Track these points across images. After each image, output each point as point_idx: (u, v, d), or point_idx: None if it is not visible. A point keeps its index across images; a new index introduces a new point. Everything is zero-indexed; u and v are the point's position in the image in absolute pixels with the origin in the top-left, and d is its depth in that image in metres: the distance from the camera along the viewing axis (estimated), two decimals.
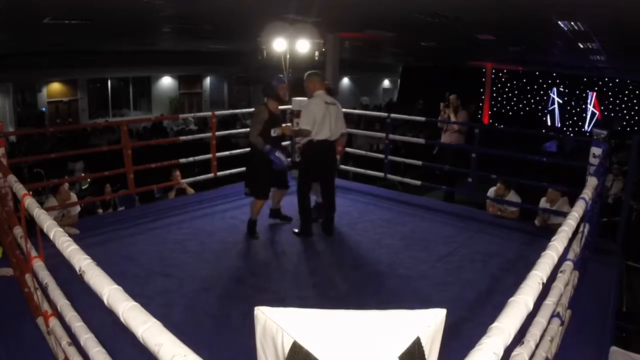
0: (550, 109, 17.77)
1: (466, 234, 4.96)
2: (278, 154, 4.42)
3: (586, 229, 2.75)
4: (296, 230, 4.79)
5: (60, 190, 4.86)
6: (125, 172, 5.19)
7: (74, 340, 2.04)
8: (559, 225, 1.90)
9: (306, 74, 4.76)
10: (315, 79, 4.69)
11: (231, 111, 13.45)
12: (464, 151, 7.16)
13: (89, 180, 8.24)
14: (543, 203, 5.29)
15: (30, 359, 2.72)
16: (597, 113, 16.70)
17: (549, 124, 17.79)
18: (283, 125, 4.86)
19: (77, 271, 1.48)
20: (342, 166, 6.93)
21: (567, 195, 5.10)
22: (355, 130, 10.60)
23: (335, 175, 5.18)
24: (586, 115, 17.01)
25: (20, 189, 2.36)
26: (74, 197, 5.02)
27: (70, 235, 4.57)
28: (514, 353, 1.62)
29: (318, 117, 4.50)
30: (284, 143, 6.94)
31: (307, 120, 4.53)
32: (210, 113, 6.21)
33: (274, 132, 4.63)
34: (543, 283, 1.37)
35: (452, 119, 7.47)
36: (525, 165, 7.28)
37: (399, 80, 22.19)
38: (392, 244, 4.65)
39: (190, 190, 6.37)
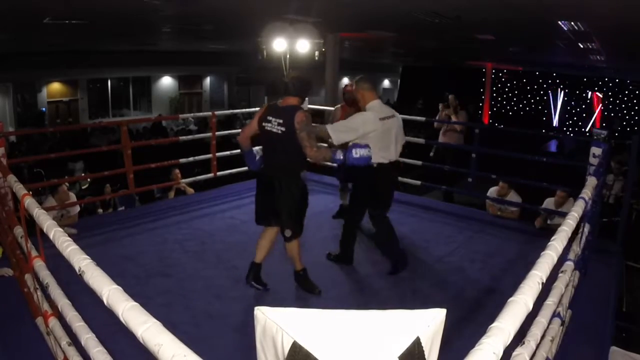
0: (550, 109, 17.78)
1: (466, 234, 4.96)
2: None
3: (586, 229, 2.75)
4: (331, 255, 4.15)
5: (59, 190, 4.86)
6: (125, 172, 5.19)
7: (74, 340, 2.04)
8: (559, 226, 1.90)
9: (355, 80, 3.84)
10: (365, 86, 3.73)
11: (231, 111, 13.47)
12: (463, 151, 7.13)
13: (88, 180, 8.24)
14: (549, 204, 5.25)
15: (30, 359, 2.72)
16: (597, 114, 16.70)
17: (554, 124, 17.78)
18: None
19: (77, 271, 1.48)
20: None
21: (572, 196, 5.10)
22: None
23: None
24: (586, 115, 17.02)
25: (20, 189, 2.36)
26: (73, 197, 5.02)
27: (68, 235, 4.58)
28: (515, 353, 1.62)
29: (373, 137, 3.54)
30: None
31: (340, 129, 3.60)
32: (210, 113, 6.21)
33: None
34: (543, 283, 1.37)
35: (453, 119, 7.45)
36: (526, 165, 7.28)
37: (399, 80, 22.21)
38: None
39: (190, 190, 6.38)
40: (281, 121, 3.23)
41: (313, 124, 3.41)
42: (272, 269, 4.03)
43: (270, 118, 3.29)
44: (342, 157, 3.22)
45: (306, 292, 3.63)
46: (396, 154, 3.80)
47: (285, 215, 3.36)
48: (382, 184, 3.79)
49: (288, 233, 3.40)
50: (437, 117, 7.61)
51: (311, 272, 3.99)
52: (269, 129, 3.28)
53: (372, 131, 3.55)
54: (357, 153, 3.19)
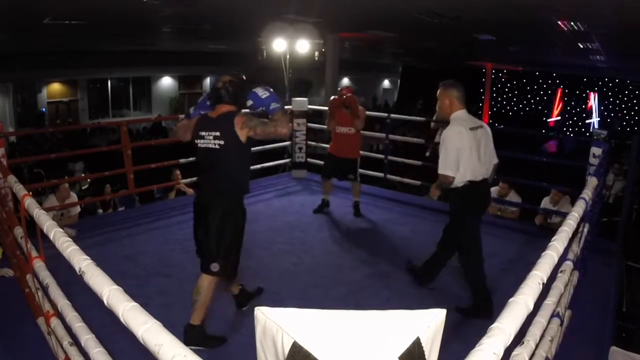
0: (550, 109, 17.78)
1: None
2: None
3: (586, 229, 2.75)
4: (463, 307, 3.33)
5: (60, 188, 4.87)
6: (125, 173, 5.19)
7: (75, 341, 2.04)
8: (560, 225, 1.90)
9: (441, 84, 3.31)
10: (453, 93, 3.19)
11: None
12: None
13: (88, 180, 8.24)
14: (546, 203, 5.28)
15: (31, 359, 2.72)
16: (593, 113, 16.71)
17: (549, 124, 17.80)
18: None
19: (77, 272, 1.48)
20: None
21: (568, 194, 5.11)
22: None
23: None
24: (586, 115, 17.02)
25: (20, 189, 2.37)
26: (73, 196, 5.02)
27: (69, 232, 4.55)
28: (514, 353, 1.62)
29: (464, 153, 3.08)
30: (285, 143, 6.97)
31: (447, 162, 3.08)
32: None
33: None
34: (543, 283, 1.37)
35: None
36: (525, 165, 7.27)
37: (399, 80, 22.21)
38: (392, 244, 4.65)
39: (190, 191, 6.38)
40: (217, 134, 2.69)
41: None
42: (272, 268, 4.04)
43: (203, 133, 2.74)
44: (256, 103, 2.78)
45: (305, 294, 3.61)
46: (488, 172, 3.28)
47: (214, 246, 2.76)
48: (475, 204, 3.29)
49: (215, 267, 2.76)
50: (434, 118, 7.12)
51: (311, 272, 4.00)
52: (203, 145, 2.75)
53: (467, 144, 3.08)
54: (263, 94, 2.78)
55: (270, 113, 2.78)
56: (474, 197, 3.22)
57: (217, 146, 2.70)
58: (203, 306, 2.82)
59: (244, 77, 2.86)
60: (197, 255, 2.94)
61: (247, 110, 2.87)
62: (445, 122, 3.28)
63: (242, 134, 2.68)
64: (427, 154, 8.07)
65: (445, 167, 3.09)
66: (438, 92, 3.29)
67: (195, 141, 2.79)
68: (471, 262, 3.34)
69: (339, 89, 5.17)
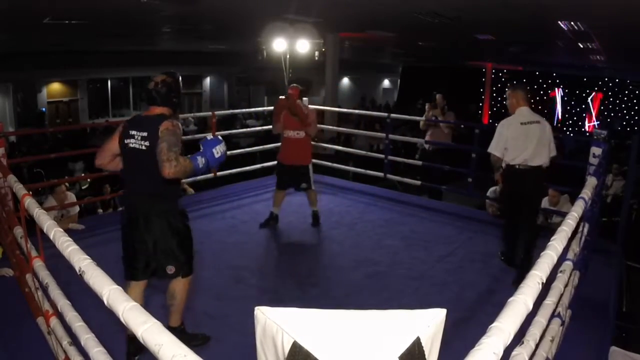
0: (550, 109, 17.78)
1: (466, 234, 4.96)
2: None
3: (586, 229, 2.75)
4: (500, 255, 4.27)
5: (57, 191, 4.88)
6: None
7: (75, 340, 2.04)
8: (559, 224, 1.90)
9: (510, 86, 4.08)
10: (519, 94, 3.90)
11: (231, 111, 13.50)
12: (451, 154, 6.97)
13: (88, 180, 8.24)
14: (545, 204, 5.28)
15: (31, 359, 2.72)
16: (594, 114, 16.70)
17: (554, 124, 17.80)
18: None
19: (77, 271, 1.48)
20: (342, 166, 6.94)
21: (566, 194, 5.11)
22: (356, 131, 10.63)
23: (536, 210, 4.19)
24: (586, 115, 17.03)
25: (20, 189, 2.37)
26: (71, 197, 5.02)
27: (74, 230, 4.62)
28: (514, 353, 1.62)
29: (510, 139, 3.79)
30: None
31: (494, 144, 3.90)
32: (210, 113, 6.21)
33: None
34: (543, 283, 1.37)
35: (441, 119, 7.21)
36: None
37: (399, 80, 22.21)
38: (392, 244, 4.65)
39: (190, 190, 6.38)
40: (145, 134, 2.54)
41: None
42: (272, 268, 4.04)
43: (132, 132, 2.59)
44: (203, 164, 2.59)
45: (305, 294, 3.62)
46: (533, 160, 3.78)
47: (164, 251, 2.67)
48: (513, 186, 3.91)
49: (170, 270, 2.69)
50: (424, 117, 6.93)
51: (311, 272, 4.00)
52: (132, 146, 2.58)
53: (513, 134, 3.79)
54: (217, 152, 2.63)
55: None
56: (515, 177, 3.85)
57: (143, 147, 2.54)
58: (179, 308, 2.80)
59: (179, 77, 2.72)
60: (134, 279, 2.75)
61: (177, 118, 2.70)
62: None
63: (159, 134, 2.50)
64: (417, 155, 7.96)
65: (496, 149, 3.87)
66: (508, 93, 3.98)
67: (125, 141, 2.60)
68: (506, 224, 4.19)
69: (289, 90, 4.59)
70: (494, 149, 3.89)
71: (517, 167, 3.80)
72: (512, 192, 3.96)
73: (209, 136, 2.81)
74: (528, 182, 3.83)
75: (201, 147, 2.62)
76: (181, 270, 2.74)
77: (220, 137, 2.71)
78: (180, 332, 2.79)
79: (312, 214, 5.07)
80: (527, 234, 3.82)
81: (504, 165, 3.89)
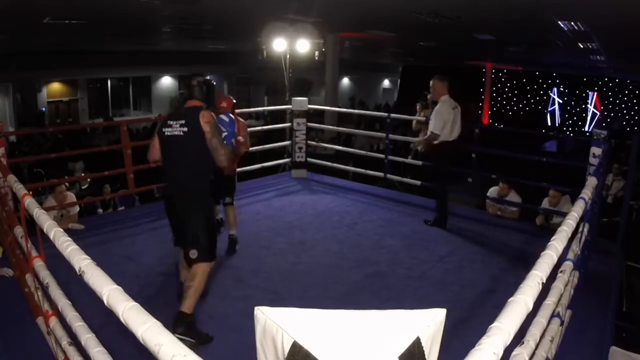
0: (550, 109, 17.77)
1: (466, 234, 4.96)
2: None
3: (586, 229, 2.75)
4: (430, 221, 5.12)
5: (56, 191, 4.88)
6: (125, 172, 5.19)
7: (74, 340, 2.04)
8: (559, 225, 1.90)
9: (435, 77, 4.90)
10: (444, 83, 4.85)
11: None
12: (445, 155, 6.86)
13: (88, 180, 8.24)
14: (546, 204, 5.28)
15: (31, 359, 2.72)
16: (598, 113, 16.70)
17: (549, 123, 17.79)
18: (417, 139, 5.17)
19: (77, 271, 1.48)
20: (342, 166, 6.94)
21: (567, 194, 5.11)
22: (356, 130, 10.63)
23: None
24: (586, 115, 17.02)
25: (20, 189, 2.37)
26: (71, 197, 5.02)
27: (74, 230, 4.62)
28: (514, 353, 1.62)
29: (447, 121, 4.72)
30: (285, 142, 6.97)
31: (440, 125, 4.71)
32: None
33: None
34: (543, 283, 1.37)
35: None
36: (526, 165, 7.27)
37: (399, 80, 22.20)
38: (392, 244, 4.65)
39: None
40: (183, 121, 2.89)
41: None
42: (272, 268, 4.03)
43: (170, 122, 2.93)
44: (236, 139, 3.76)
45: (305, 294, 3.62)
46: (455, 136, 4.85)
47: (189, 234, 2.93)
48: (452, 155, 4.95)
49: (193, 254, 2.89)
50: (417, 117, 6.56)
51: (311, 272, 4.00)
52: (169, 133, 2.90)
53: (449, 116, 4.74)
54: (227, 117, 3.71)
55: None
56: (449, 151, 4.86)
57: (181, 133, 2.86)
58: (196, 293, 2.88)
59: (212, 81, 3.23)
60: (175, 246, 3.20)
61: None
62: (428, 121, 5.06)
63: (205, 127, 2.86)
64: (410, 157, 7.88)
65: (437, 128, 4.72)
66: (434, 82, 4.86)
67: (163, 129, 2.92)
68: (442, 193, 5.11)
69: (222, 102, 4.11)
70: (439, 129, 4.71)
71: (450, 142, 4.78)
72: (449, 162, 4.96)
73: (224, 117, 3.67)
74: (456, 152, 5.00)
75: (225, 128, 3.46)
76: (203, 255, 2.91)
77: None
78: (189, 321, 2.85)
79: (229, 237, 4.29)
80: (440, 192, 5.08)
81: (437, 141, 4.76)
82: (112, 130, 13.02)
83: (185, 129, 2.86)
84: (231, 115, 3.92)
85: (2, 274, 3.60)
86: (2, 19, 7.18)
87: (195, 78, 3.11)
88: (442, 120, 4.71)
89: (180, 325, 2.77)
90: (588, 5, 5.49)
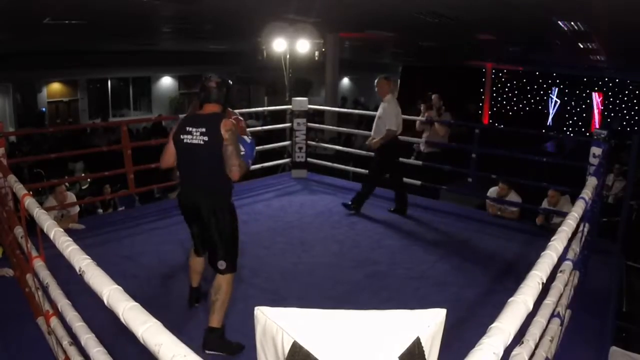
0: (550, 109, 17.78)
1: (466, 234, 4.96)
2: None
3: (586, 229, 2.75)
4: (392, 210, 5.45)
5: (56, 191, 4.88)
6: (125, 173, 5.19)
7: (75, 340, 2.04)
8: (560, 225, 1.90)
9: (380, 76, 5.28)
10: (391, 82, 5.24)
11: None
12: (449, 154, 6.91)
13: (88, 180, 8.24)
14: (545, 204, 5.29)
15: (31, 359, 2.72)
16: (598, 115, 16.69)
17: (549, 124, 17.79)
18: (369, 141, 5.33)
19: (78, 271, 1.48)
20: (342, 166, 6.94)
21: (567, 194, 5.11)
22: (356, 130, 10.62)
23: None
24: (587, 115, 17.01)
25: (20, 189, 2.37)
26: (71, 198, 5.03)
27: (74, 230, 4.63)
28: (513, 353, 1.62)
29: (398, 117, 5.11)
30: (285, 143, 6.97)
31: (395, 121, 5.05)
32: None
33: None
34: (543, 283, 1.37)
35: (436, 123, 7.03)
36: (526, 165, 7.26)
37: (399, 80, 22.18)
38: (392, 244, 4.65)
39: None
40: (204, 129, 2.72)
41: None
42: (272, 268, 4.03)
43: (189, 129, 2.75)
44: (250, 160, 3.10)
45: (305, 294, 3.61)
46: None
47: (218, 245, 2.84)
48: (397, 151, 5.35)
49: (222, 265, 2.82)
50: (422, 118, 6.76)
51: (311, 272, 4.00)
52: (188, 141, 2.75)
53: (399, 113, 5.14)
54: (248, 139, 3.16)
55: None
56: (397, 145, 5.31)
57: (201, 142, 2.71)
58: (223, 306, 2.81)
59: (229, 81, 2.97)
60: (197, 255, 3.14)
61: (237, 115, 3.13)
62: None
63: (225, 135, 2.70)
64: (413, 157, 7.86)
65: (392, 124, 5.04)
66: (381, 81, 5.23)
67: (181, 136, 2.77)
68: (373, 182, 5.45)
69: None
70: (395, 125, 5.06)
71: (397, 136, 5.19)
72: (398, 154, 5.41)
73: (247, 138, 3.15)
74: (401, 145, 5.55)
75: (242, 148, 2.94)
76: (231, 266, 2.85)
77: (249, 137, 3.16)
78: (219, 336, 2.78)
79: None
80: (398, 182, 5.45)
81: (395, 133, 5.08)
82: (112, 130, 13.02)
83: (206, 138, 2.70)
84: (252, 139, 3.33)
85: (2, 274, 3.60)
86: (2, 19, 7.18)
87: (212, 79, 2.87)
88: (394, 115, 5.04)
89: (211, 342, 2.73)
90: (588, 5, 5.49)
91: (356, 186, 6.56)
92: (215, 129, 2.68)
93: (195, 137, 2.72)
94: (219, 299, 2.79)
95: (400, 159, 5.53)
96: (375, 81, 5.26)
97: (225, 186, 2.84)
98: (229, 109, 3.05)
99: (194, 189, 2.85)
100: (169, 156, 2.92)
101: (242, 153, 2.89)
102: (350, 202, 5.43)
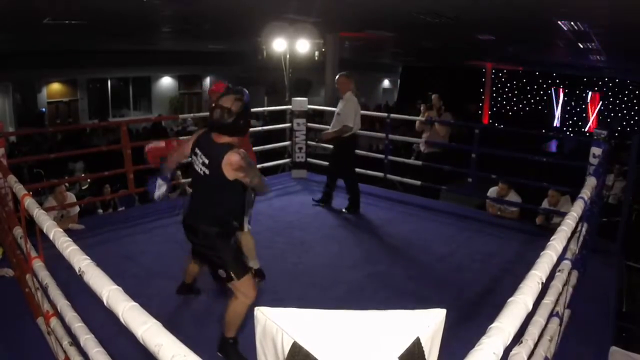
0: (554, 110, 17.77)
1: (466, 234, 4.96)
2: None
3: (584, 229, 2.75)
4: (344, 210, 5.39)
5: (56, 191, 4.88)
6: (125, 172, 5.19)
7: (74, 340, 2.04)
8: (559, 225, 1.90)
9: (340, 73, 5.26)
10: (352, 79, 5.22)
11: None
12: (449, 154, 6.88)
13: (88, 180, 8.24)
14: (545, 204, 5.29)
15: (31, 359, 2.72)
16: (594, 115, 16.69)
17: (556, 124, 17.77)
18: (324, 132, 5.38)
19: (77, 271, 1.48)
20: None
21: (567, 194, 5.11)
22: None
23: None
24: (587, 115, 17.02)
25: (20, 189, 2.37)
26: (71, 198, 5.03)
27: (74, 230, 4.62)
28: (512, 352, 1.62)
29: (357, 114, 5.12)
30: (285, 143, 6.96)
31: (353, 118, 5.07)
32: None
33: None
34: (542, 283, 1.37)
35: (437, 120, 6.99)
36: (525, 165, 7.26)
37: (399, 80, 22.19)
38: (392, 244, 4.65)
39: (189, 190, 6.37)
40: (207, 161, 2.50)
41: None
42: (272, 268, 4.03)
43: (198, 152, 2.57)
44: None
45: (305, 294, 3.61)
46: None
47: (216, 264, 2.63)
48: (354, 148, 5.46)
49: (222, 273, 2.57)
50: (422, 118, 6.54)
51: (311, 272, 4.00)
52: (194, 166, 2.59)
53: (358, 110, 5.18)
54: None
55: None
56: (355, 142, 5.41)
57: (202, 173, 2.53)
58: (234, 316, 2.64)
59: (248, 96, 2.60)
60: (199, 263, 3.12)
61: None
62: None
63: (231, 174, 2.43)
64: (413, 158, 7.85)
65: (349, 120, 5.05)
66: (342, 78, 5.18)
67: (192, 157, 2.62)
68: (354, 181, 5.43)
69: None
70: (352, 121, 5.06)
71: (355, 134, 5.23)
72: (354, 153, 5.46)
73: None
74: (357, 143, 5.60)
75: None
76: (219, 272, 2.63)
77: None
78: (231, 345, 2.70)
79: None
80: (350, 181, 5.40)
81: (349, 133, 5.10)
82: (112, 130, 13.03)
83: (207, 172, 2.49)
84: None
85: (2, 274, 3.60)
86: (2, 19, 7.18)
87: (220, 103, 2.44)
88: (354, 113, 5.07)
89: (223, 347, 2.71)
90: (588, 5, 5.49)
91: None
92: (217, 165, 2.42)
93: (199, 164, 2.54)
94: (229, 308, 2.64)
95: (355, 159, 5.55)
96: (336, 78, 5.25)
97: (223, 217, 2.63)
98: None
99: (194, 212, 2.68)
100: (178, 158, 2.87)
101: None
102: (319, 199, 5.57)
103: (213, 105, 2.49)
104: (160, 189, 2.88)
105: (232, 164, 2.39)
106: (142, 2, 6.17)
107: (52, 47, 12.41)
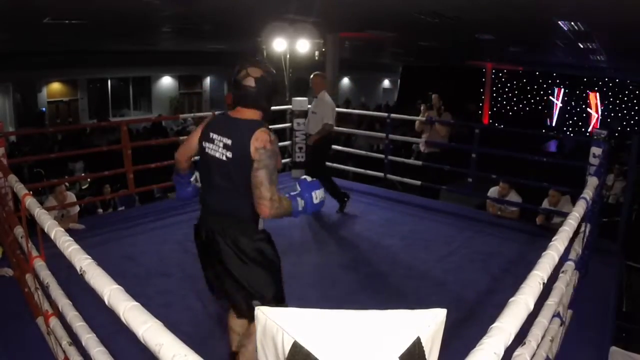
0: (550, 109, 17.77)
1: (466, 234, 4.96)
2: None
3: (587, 229, 2.75)
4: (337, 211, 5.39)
5: (57, 191, 4.88)
6: (125, 172, 5.19)
7: (75, 340, 2.04)
8: (560, 225, 1.89)
9: (314, 73, 5.33)
10: (325, 78, 5.44)
11: None
12: (449, 154, 6.86)
13: (88, 180, 8.24)
14: (546, 204, 5.29)
15: (31, 359, 2.72)
16: (597, 115, 16.69)
17: (549, 124, 17.79)
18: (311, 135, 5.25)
19: (78, 271, 1.48)
20: (342, 166, 6.94)
21: (568, 194, 5.11)
22: (356, 130, 10.63)
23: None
24: (587, 115, 17.02)
25: (20, 188, 2.37)
26: (71, 197, 5.03)
27: (74, 230, 4.63)
28: (516, 353, 1.61)
29: (334, 112, 5.24)
30: (285, 143, 6.96)
31: (332, 115, 5.17)
32: (210, 113, 6.20)
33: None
34: (544, 283, 1.37)
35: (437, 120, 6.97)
36: (525, 165, 7.26)
37: (399, 80, 22.18)
38: (392, 244, 4.65)
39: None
40: (229, 142, 2.07)
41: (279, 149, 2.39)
42: None
43: (213, 136, 2.13)
44: (302, 208, 2.20)
45: (305, 294, 3.62)
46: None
47: (242, 287, 2.17)
48: (332, 143, 5.60)
49: (256, 303, 2.06)
50: (422, 118, 6.49)
51: (311, 272, 4.00)
52: (210, 152, 2.13)
53: (335, 108, 5.28)
54: (316, 197, 2.24)
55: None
56: (332, 137, 5.50)
57: (224, 157, 2.08)
58: (252, 354, 2.21)
59: (274, 72, 2.22)
60: (211, 292, 2.43)
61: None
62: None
63: (255, 155, 2.02)
64: (412, 158, 7.85)
65: (331, 119, 5.15)
66: (316, 78, 5.27)
67: (203, 144, 2.16)
68: (331, 182, 5.31)
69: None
70: (333, 120, 5.19)
71: (332, 132, 5.35)
72: (330, 149, 5.59)
73: (308, 178, 2.30)
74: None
75: (299, 187, 2.22)
76: (252, 303, 2.15)
77: (318, 182, 2.30)
78: None
79: None
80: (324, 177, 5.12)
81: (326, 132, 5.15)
82: (112, 130, 13.03)
83: (230, 155, 2.05)
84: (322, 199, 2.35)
85: (2, 273, 3.60)
86: (2, 19, 7.18)
87: (249, 73, 2.09)
88: (331, 111, 5.18)
89: None
90: (588, 5, 5.49)
91: (356, 186, 6.57)
92: (244, 144, 2.02)
93: (218, 149, 2.09)
94: (247, 349, 2.21)
95: (331, 155, 5.76)
96: (310, 77, 5.32)
97: (248, 213, 2.11)
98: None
99: (210, 214, 2.20)
100: (185, 150, 2.34)
101: (293, 192, 2.21)
102: (338, 208, 5.43)
103: (235, 80, 2.15)
104: (185, 187, 2.47)
105: (258, 138, 2.01)
106: (142, 2, 6.16)
107: (52, 47, 12.41)
